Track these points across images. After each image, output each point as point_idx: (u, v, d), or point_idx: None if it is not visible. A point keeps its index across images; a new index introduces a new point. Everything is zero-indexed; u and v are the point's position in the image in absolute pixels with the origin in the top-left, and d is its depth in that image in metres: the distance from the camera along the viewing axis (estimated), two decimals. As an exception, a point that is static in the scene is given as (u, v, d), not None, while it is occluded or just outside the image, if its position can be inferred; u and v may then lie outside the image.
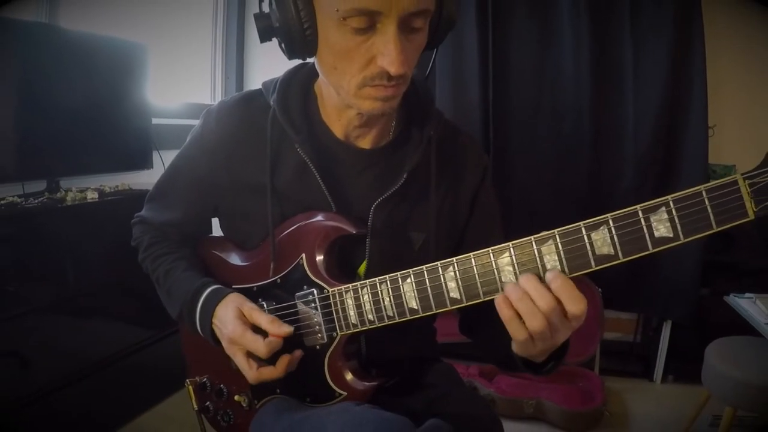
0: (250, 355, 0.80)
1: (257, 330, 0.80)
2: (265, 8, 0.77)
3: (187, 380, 0.99)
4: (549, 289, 0.61)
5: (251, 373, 0.80)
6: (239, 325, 0.79)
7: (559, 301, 0.61)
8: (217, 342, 0.84)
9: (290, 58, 0.77)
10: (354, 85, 0.73)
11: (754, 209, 0.52)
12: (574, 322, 0.63)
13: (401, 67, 0.69)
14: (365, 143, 0.88)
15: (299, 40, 0.72)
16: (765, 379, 1.61)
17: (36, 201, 1.69)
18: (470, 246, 0.93)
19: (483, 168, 0.95)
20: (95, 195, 1.85)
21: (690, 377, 2.30)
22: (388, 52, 0.68)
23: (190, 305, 0.86)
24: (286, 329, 0.78)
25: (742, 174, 0.53)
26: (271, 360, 0.81)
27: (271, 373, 0.81)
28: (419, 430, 0.71)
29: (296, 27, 0.71)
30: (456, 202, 0.92)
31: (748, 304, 1.73)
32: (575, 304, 0.61)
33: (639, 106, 2.34)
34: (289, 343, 0.80)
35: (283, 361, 0.81)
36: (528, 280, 0.62)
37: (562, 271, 0.62)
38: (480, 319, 0.89)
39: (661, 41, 2.27)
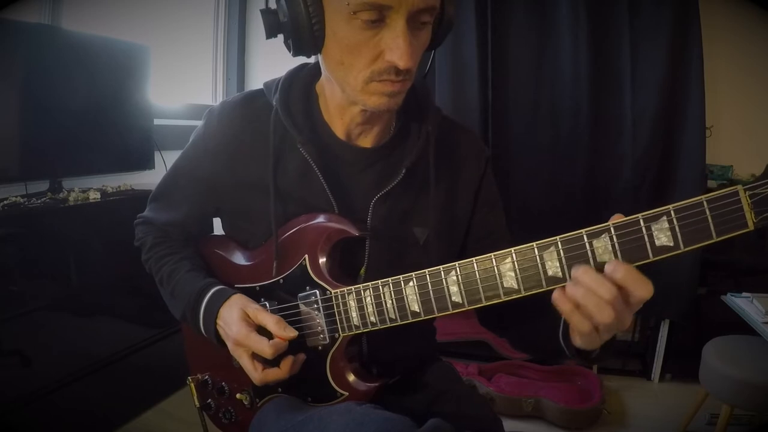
0: (255, 356, 0.81)
1: (262, 331, 0.80)
2: (272, 4, 0.77)
3: (189, 377, 1.00)
4: (609, 279, 0.58)
5: (257, 375, 0.81)
6: (244, 327, 0.80)
7: (620, 289, 0.58)
8: (221, 343, 0.85)
9: (295, 54, 0.77)
10: (361, 80, 0.74)
11: (754, 220, 0.53)
12: (635, 306, 0.60)
13: (409, 61, 0.70)
14: (366, 142, 0.88)
15: (307, 35, 0.73)
16: (762, 377, 1.62)
17: (39, 201, 1.70)
18: (477, 238, 0.94)
19: (485, 160, 0.96)
20: (97, 195, 1.86)
21: (687, 376, 2.32)
22: (396, 46, 0.69)
23: (194, 307, 0.86)
24: (292, 333, 0.79)
25: (743, 185, 0.53)
26: (275, 361, 0.81)
27: (276, 374, 0.82)
28: (420, 430, 0.72)
29: (304, 22, 0.71)
30: (458, 196, 0.92)
31: (745, 304, 1.74)
32: (643, 288, 0.58)
33: (637, 107, 2.34)
34: (291, 344, 0.80)
35: (287, 362, 0.82)
36: (586, 272, 0.59)
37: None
38: (515, 315, 0.86)
39: (659, 42, 2.28)
